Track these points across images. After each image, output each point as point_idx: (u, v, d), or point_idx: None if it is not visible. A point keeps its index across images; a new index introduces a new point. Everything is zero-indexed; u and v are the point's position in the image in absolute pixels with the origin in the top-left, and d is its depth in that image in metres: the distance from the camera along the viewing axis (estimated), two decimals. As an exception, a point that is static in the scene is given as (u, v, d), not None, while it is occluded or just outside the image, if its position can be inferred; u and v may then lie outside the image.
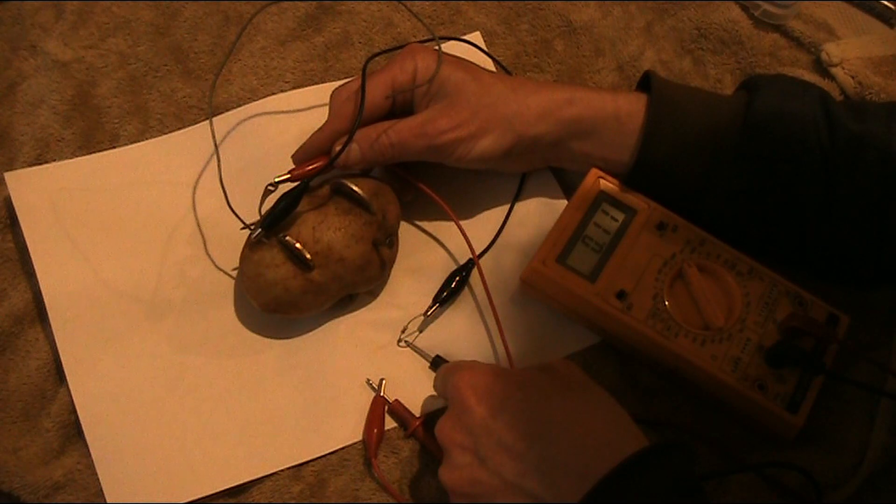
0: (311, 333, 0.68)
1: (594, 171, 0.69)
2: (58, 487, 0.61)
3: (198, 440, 0.63)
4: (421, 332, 0.68)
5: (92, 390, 0.64)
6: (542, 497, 0.51)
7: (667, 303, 0.64)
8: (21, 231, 0.69)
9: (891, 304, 0.70)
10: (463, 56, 0.70)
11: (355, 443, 0.64)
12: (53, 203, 0.71)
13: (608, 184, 0.69)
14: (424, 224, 0.73)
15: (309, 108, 0.77)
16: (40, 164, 0.73)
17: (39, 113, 0.75)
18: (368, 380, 0.66)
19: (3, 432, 0.64)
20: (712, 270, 0.66)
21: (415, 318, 0.68)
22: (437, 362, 0.66)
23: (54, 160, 0.73)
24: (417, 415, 0.65)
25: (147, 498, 0.61)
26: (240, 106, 0.76)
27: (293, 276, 0.63)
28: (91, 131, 0.75)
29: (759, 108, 0.65)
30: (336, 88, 0.69)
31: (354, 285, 0.66)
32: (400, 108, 0.67)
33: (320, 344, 0.67)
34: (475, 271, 0.69)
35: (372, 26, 0.81)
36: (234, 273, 0.70)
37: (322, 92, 0.75)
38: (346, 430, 0.64)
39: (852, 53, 0.80)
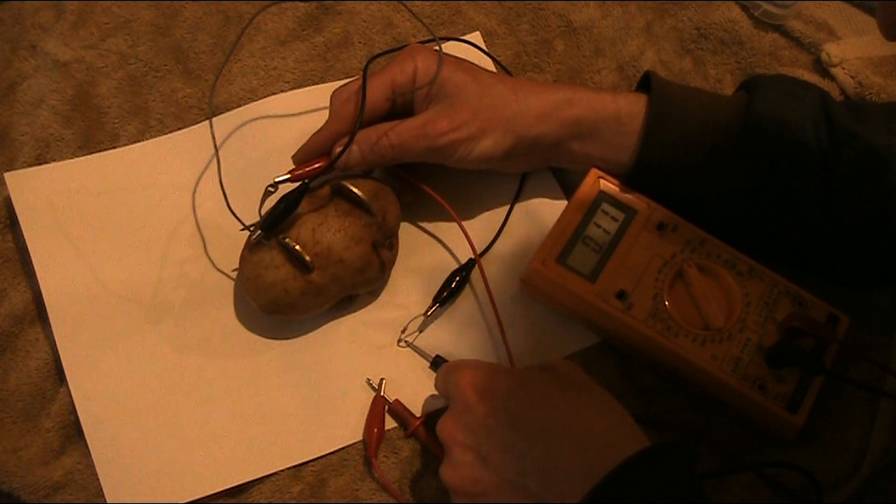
0: (311, 334, 0.68)
1: (594, 171, 0.69)
2: (58, 487, 0.61)
3: (198, 440, 0.63)
4: (421, 332, 0.68)
5: (92, 390, 0.64)
6: (543, 496, 0.51)
7: (667, 303, 0.64)
8: (21, 231, 0.69)
9: (891, 304, 0.70)
10: (463, 56, 0.70)
11: (355, 443, 0.64)
12: (53, 203, 0.71)
13: (608, 184, 0.69)
14: (425, 224, 0.73)
15: (309, 109, 0.77)
16: (40, 164, 0.73)
17: (39, 113, 0.75)
18: (368, 380, 0.66)
19: (3, 432, 0.64)
20: (712, 270, 0.66)
21: (415, 318, 0.68)
22: (437, 362, 0.66)
23: (54, 160, 0.73)
24: (418, 415, 0.65)
25: (147, 498, 0.61)
26: (240, 106, 0.76)
27: (293, 278, 0.63)
28: (91, 131, 0.75)
29: (759, 108, 0.65)
30: (336, 89, 0.69)
31: (354, 287, 0.66)
32: (400, 108, 0.67)
33: (320, 344, 0.67)
34: (474, 271, 0.69)
35: (372, 26, 0.81)
36: (234, 274, 0.70)
37: (322, 92, 0.75)
38: (347, 430, 0.64)
39: (852, 53, 0.80)
